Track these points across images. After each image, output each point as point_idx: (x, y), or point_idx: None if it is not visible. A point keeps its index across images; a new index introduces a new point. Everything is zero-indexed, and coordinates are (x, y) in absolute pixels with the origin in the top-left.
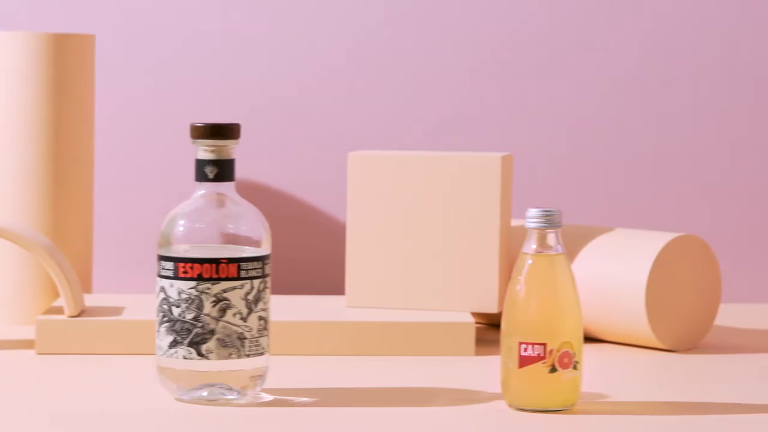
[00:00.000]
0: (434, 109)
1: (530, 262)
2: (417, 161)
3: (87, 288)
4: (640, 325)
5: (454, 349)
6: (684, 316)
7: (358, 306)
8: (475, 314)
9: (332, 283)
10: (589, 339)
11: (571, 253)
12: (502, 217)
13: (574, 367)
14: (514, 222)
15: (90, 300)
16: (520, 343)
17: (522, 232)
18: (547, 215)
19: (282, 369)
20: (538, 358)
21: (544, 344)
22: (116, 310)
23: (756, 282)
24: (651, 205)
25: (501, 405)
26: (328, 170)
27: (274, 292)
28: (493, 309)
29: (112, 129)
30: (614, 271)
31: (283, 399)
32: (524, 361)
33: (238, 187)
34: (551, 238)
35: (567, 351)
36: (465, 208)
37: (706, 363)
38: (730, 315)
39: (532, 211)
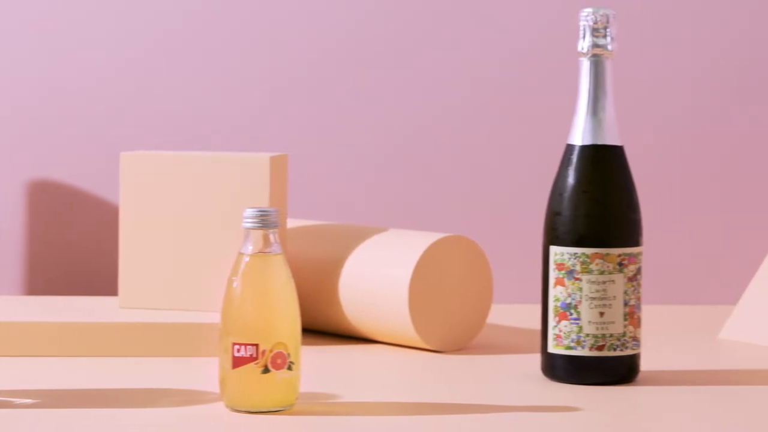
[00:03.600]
0: (215, 110)
1: (246, 261)
2: (187, 162)
3: None
4: (404, 326)
5: (216, 350)
6: (452, 316)
7: (130, 307)
8: None
9: (113, 283)
10: (363, 340)
11: (343, 253)
12: None
13: (289, 368)
14: (294, 222)
15: None
16: (234, 344)
17: (299, 232)
18: (263, 215)
19: (33, 370)
20: (251, 359)
21: (256, 345)
22: None
23: (528, 282)
24: (430, 206)
25: (221, 406)
26: (103, 171)
27: (51, 293)
28: None
29: None
30: (380, 272)
31: (4, 401)
32: (237, 362)
33: (23, 185)
34: (267, 238)
35: (280, 352)
36: (235, 208)
37: (466, 363)
38: (503, 315)
39: (249, 211)
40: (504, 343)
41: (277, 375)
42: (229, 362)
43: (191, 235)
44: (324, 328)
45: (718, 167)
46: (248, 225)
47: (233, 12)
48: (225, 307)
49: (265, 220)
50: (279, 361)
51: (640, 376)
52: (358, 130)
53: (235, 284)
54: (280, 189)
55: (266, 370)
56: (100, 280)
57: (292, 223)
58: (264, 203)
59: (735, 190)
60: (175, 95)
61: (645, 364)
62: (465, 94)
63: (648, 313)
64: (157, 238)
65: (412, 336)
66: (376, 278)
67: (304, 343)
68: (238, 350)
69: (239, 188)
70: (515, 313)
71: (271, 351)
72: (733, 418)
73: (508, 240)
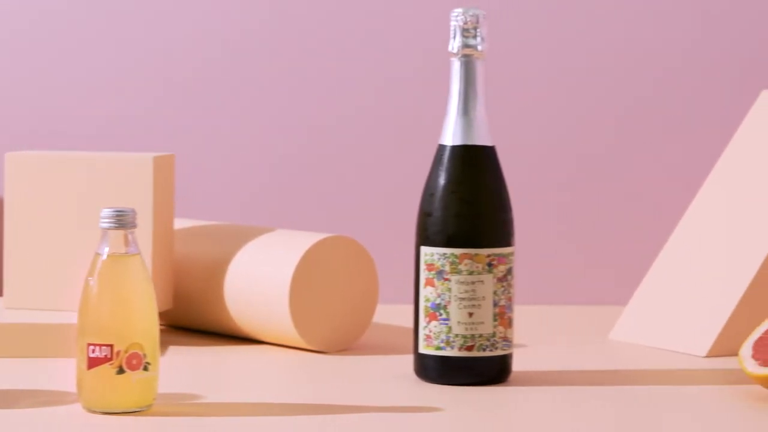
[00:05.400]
0: (104, 110)
1: (103, 261)
2: (72, 162)
3: None
4: (286, 326)
5: None
6: (335, 317)
7: (16, 307)
8: None
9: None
10: (249, 340)
11: (229, 253)
12: (157, 218)
13: (145, 369)
14: (181, 222)
15: None
16: (89, 344)
17: (186, 233)
18: (119, 215)
19: None
20: (105, 360)
21: (110, 345)
22: None
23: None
24: (319, 207)
25: (79, 407)
26: None
27: None
28: None
29: None
30: (262, 272)
31: None
32: (92, 363)
33: None
34: (124, 238)
35: (136, 352)
36: None
37: (345, 364)
38: (391, 315)
39: (105, 211)
40: (388, 344)
41: (133, 376)
42: (84, 363)
43: (76, 235)
44: (211, 329)
45: (605, 167)
46: (105, 225)
47: (119, 8)
48: (81, 308)
49: (121, 220)
50: (134, 361)
51: (515, 376)
52: (246, 130)
53: (91, 284)
54: (165, 189)
55: (121, 371)
56: None
57: (179, 223)
58: (148, 203)
59: (623, 191)
60: (67, 95)
61: (528, 365)
62: (355, 95)
63: (537, 313)
64: (42, 239)
65: (293, 336)
66: (259, 278)
67: (186, 343)
68: (93, 351)
69: (123, 188)
70: (404, 313)
71: (126, 352)
72: (603, 417)
73: (398, 241)
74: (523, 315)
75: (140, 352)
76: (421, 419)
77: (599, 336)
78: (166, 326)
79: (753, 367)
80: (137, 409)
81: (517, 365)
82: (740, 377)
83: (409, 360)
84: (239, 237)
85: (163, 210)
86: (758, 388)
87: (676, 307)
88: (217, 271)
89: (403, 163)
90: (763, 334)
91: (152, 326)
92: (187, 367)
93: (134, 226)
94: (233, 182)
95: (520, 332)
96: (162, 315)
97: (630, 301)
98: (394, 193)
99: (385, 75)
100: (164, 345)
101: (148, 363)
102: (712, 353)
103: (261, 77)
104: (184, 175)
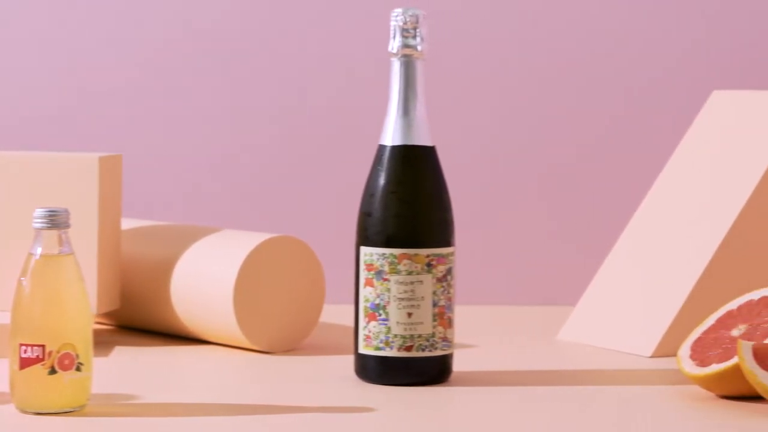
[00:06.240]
0: (51, 109)
1: (35, 261)
2: (15, 162)
3: None
4: (230, 326)
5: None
6: (281, 317)
7: None
8: (100, 315)
9: None
10: (195, 340)
11: (175, 253)
12: (103, 218)
13: (78, 369)
14: (131, 223)
15: None
16: (21, 345)
17: (133, 233)
18: (51, 215)
19: None
20: (37, 360)
21: (42, 345)
22: None
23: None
24: (264, 207)
25: (12, 407)
26: None
27: None
28: (93, 311)
29: None
30: (207, 271)
31: None
32: (24, 363)
33: None
34: (57, 238)
35: (68, 353)
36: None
37: (288, 364)
38: (340, 315)
39: (38, 212)
40: (334, 344)
41: (65, 376)
42: (17, 363)
43: (18, 237)
44: (158, 329)
45: (550, 168)
46: (38, 225)
47: (65, 4)
48: (14, 308)
49: (54, 220)
50: (66, 362)
51: (457, 376)
52: (192, 131)
53: (24, 284)
54: (112, 190)
55: (53, 371)
56: None
57: (126, 223)
58: (93, 204)
59: (571, 191)
60: (10, 94)
61: (473, 365)
62: (297, 95)
63: (486, 313)
64: None
65: (238, 336)
66: (204, 278)
67: (133, 343)
68: (25, 351)
69: (68, 189)
70: (352, 314)
71: (58, 352)
72: (543, 417)
73: (343, 241)
74: (471, 316)
75: (72, 353)
76: (357, 419)
77: (548, 336)
78: (114, 326)
79: (690, 368)
80: (70, 410)
81: (462, 365)
82: (682, 377)
83: (352, 360)
84: (186, 237)
85: (110, 210)
86: (698, 388)
87: (623, 308)
88: (163, 270)
89: (349, 163)
90: (701, 334)
91: (85, 326)
92: (131, 367)
93: (67, 226)
94: (180, 183)
95: (467, 333)
96: (109, 315)
97: (579, 302)
98: (340, 194)
99: (326, 75)
100: (110, 345)
101: (81, 363)
102: (657, 353)
103: (206, 79)
104: (133, 176)
